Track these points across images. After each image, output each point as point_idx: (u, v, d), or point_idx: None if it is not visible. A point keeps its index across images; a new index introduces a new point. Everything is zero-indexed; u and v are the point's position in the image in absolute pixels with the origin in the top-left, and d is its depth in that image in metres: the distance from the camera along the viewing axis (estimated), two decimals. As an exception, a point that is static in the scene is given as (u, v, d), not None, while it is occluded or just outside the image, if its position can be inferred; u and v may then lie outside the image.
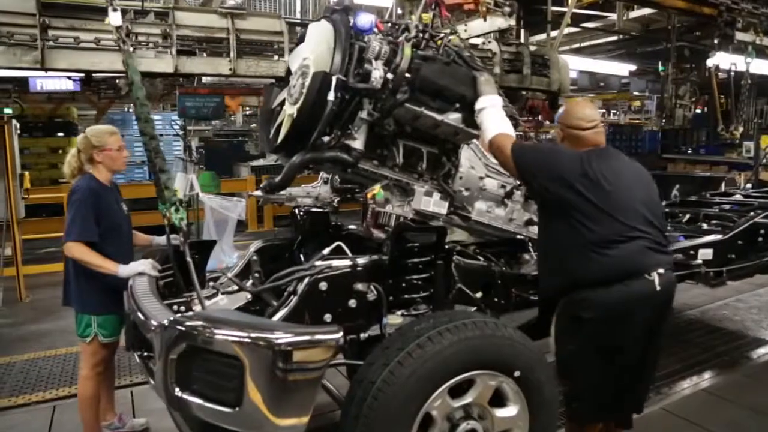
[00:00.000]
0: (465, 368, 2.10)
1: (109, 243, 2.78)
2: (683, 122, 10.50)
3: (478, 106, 2.41)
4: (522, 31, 8.26)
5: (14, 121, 6.27)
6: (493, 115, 2.40)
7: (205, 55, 5.17)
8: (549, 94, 7.39)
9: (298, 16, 8.92)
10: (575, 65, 10.72)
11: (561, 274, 2.29)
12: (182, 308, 2.49)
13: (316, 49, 2.44)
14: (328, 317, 2.26)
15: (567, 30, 8.35)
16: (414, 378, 1.98)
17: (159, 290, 2.61)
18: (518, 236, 3.08)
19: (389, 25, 2.57)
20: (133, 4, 5.20)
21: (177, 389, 1.84)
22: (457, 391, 2.13)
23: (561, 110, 2.50)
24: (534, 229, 2.98)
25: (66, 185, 7.95)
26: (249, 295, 2.53)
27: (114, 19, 2.52)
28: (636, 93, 16.38)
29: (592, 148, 2.29)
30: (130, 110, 10.75)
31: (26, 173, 6.68)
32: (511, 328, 2.25)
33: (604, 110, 21.12)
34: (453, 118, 2.46)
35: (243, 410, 1.73)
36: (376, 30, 2.40)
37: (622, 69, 13.23)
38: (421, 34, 2.43)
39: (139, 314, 2.15)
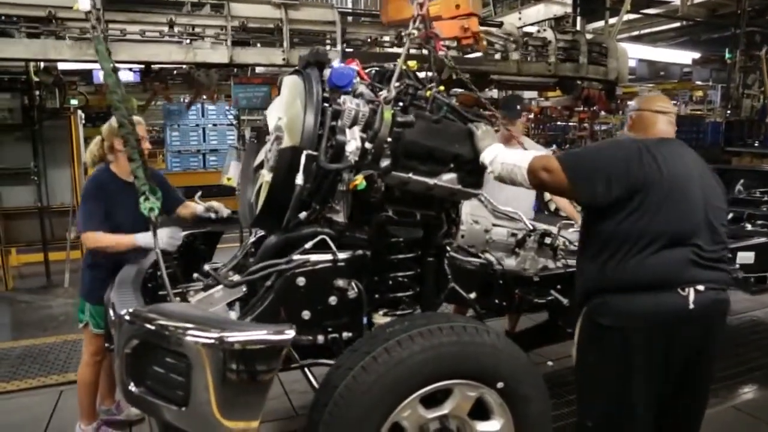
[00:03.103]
0: (438, 377, 1.92)
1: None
2: (751, 113, 9.92)
3: (486, 161, 2.17)
4: (578, 18, 7.99)
5: (79, 112, 6.56)
6: (510, 154, 2.17)
7: (258, 45, 5.24)
8: (606, 83, 7.12)
9: (350, 5, 8.93)
10: (634, 53, 10.28)
11: (589, 273, 2.07)
12: (177, 299, 2.38)
13: (289, 110, 2.21)
14: (306, 314, 2.12)
15: (626, 17, 8.02)
16: (379, 385, 1.83)
17: (156, 281, 2.53)
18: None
19: (374, 71, 2.29)
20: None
21: (131, 384, 1.78)
22: (433, 401, 1.97)
23: (634, 100, 2.31)
24: None
25: (126, 173, 8.24)
26: (244, 287, 2.32)
27: (82, 3, 2.41)
28: (699, 82, 15.60)
29: (655, 138, 2.08)
30: (185, 100, 11.04)
31: (90, 161, 6.98)
32: (495, 335, 2.03)
33: (663, 100, 20.30)
34: (447, 179, 2.19)
35: (191, 410, 1.66)
36: (357, 80, 2.15)
37: (684, 57, 12.62)
38: (405, 87, 2.16)
39: (109, 306, 2.09)
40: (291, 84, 2.29)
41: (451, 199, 2.34)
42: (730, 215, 4.08)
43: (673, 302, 1.91)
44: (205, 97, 10.23)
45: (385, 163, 2.05)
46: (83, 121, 6.68)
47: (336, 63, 2.24)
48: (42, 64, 5.86)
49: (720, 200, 2.09)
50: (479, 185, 2.31)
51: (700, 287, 1.92)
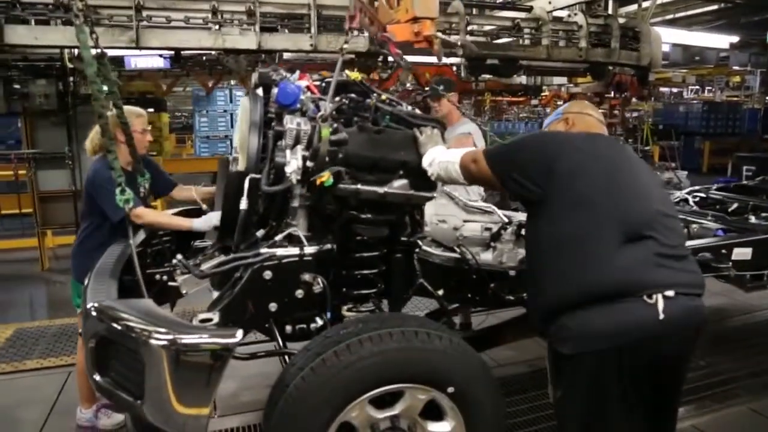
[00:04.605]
0: (387, 381, 1.95)
1: (108, 224, 2.77)
2: (791, 99, 9.59)
3: (425, 164, 2.16)
4: (611, 1, 7.79)
5: (111, 98, 6.68)
6: (446, 153, 2.14)
7: (286, 31, 5.26)
8: (638, 69, 6.95)
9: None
10: (668, 38, 10.02)
11: (540, 293, 1.83)
12: (164, 278, 2.48)
13: (240, 133, 2.25)
14: (273, 306, 2.15)
15: None
16: (326, 387, 1.87)
17: (147, 260, 2.60)
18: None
19: (324, 84, 2.30)
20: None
21: (97, 374, 1.86)
22: (386, 400, 2.01)
23: (568, 104, 2.24)
24: None
25: (156, 158, 8.40)
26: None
27: None
28: (736, 67, 15.13)
29: (589, 131, 2.00)
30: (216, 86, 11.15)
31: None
32: (449, 339, 2.01)
33: (698, 87, 19.73)
34: (399, 185, 2.20)
35: (146, 402, 1.75)
36: (307, 94, 2.18)
37: (721, 41, 12.21)
38: (349, 100, 2.18)
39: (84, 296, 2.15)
40: (242, 107, 2.32)
41: (409, 204, 2.33)
42: (735, 204, 3.92)
43: (639, 313, 1.61)
44: (233, 82, 10.36)
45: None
46: (115, 107, 6.80)
47: (294, 77, 2.28)
48: (76, 51, 5.98)
49: (667, 193, 1.98)
50: (433, 188, 2.30)
51: (670, 292, 1.62)
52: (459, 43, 4.90)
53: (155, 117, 10.53)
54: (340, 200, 2.17)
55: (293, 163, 2.03)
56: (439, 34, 2.43)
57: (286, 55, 6.14)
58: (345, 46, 2.40)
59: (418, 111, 2.54)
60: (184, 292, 2.39)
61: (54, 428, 3.10)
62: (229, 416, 3.13)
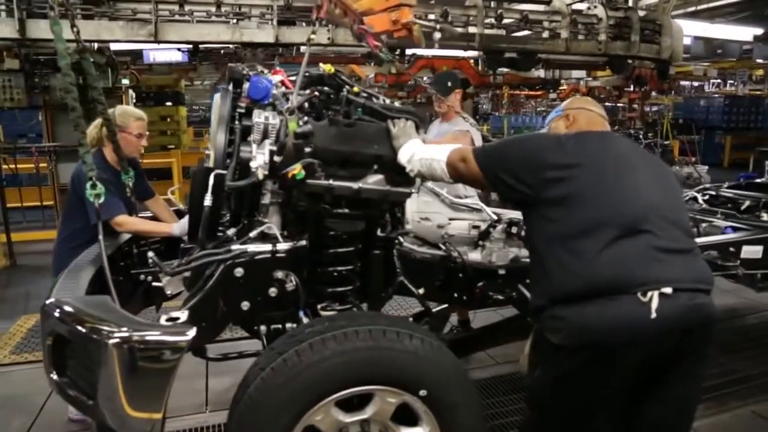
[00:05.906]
0: (352, 382, 1.83)
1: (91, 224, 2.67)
2: (816, 93, 9.38)
3: (403, 160, 2.04)
4: (631, -7, 7.69)
5: (130, 91, 6.76)
6: (427, 149, 2.03)
7: (303, 24, 5.26)
8: (659, 62, 6.85)
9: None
10: (690, 30, 9.82)
11: (538, 285, 1.80)
12: (149, 278, 2.44)
13: (212, 128, 2.21)
14: (245, 305, 2.07)
15: (683, -9, 7.66)
16: (287, 388, 1.77)
17: (132, 260, 2.55)
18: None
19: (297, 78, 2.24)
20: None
21: (54, 374, 1.81)
22: (355, 404, 1.90)
23: (568, 100, 2.15)
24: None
25: (174, 151, 8.48)
26: None
27: None
28: (760, 60, 14.83)
29: (583, 130, 1.91)
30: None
31: (140, 139, 7.20)
32: (419, 340, 1.88)
33: (719, 80, 19.39)
34: (374, 180, 2.09)
35: (99, 402, 1.69)
36: (281, 89, 2.12)
37: (745, 33, 11.98)
38: (319, 93, 2.15)
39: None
40: (215, 102, 2.28)
41: (387, 200, 2.22)
42: (747, 202, 3.73)
43: (628, 313, 1.51)
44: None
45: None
46: (134, 100, 6.88)
47: (270, 73, 2.23)
48: (95, 45, 6.04)
49: (677, 189, 1.86)
50: (411, 183, 2.19)
51: (667, 289, 1.50)
52: (438, 27, 4.81)
53: (173, 110, 10.63)
54: (314, 196, 2.07)
55: (259, 157, 1.95)
56: (417, 20, 2.34)
57: (302, 49, 6.15)
58: (312, 36, 2.35)
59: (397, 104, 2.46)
60: (168, 293, 2.34)
61: (47, 421, 3.08)
62: (220, 411, 3.04)
